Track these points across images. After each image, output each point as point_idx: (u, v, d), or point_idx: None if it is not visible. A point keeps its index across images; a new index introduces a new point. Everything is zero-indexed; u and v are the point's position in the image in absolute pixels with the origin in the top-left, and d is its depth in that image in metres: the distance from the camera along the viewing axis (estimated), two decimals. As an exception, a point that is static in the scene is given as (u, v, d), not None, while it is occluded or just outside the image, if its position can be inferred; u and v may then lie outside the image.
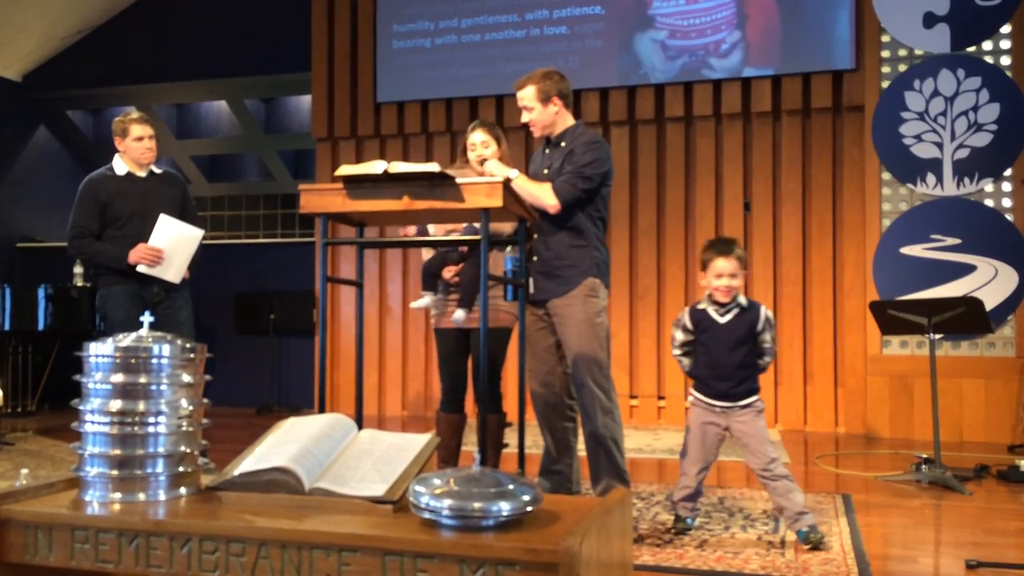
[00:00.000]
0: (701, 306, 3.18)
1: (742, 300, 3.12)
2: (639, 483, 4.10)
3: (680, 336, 3.22)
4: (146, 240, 4.08)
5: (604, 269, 3.42)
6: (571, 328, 3.32)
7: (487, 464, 3.38)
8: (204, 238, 4.24)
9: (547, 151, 3.50)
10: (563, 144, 3.43)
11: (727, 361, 3.10)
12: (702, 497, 3.30)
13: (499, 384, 3.68)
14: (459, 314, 3.49)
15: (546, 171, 3.41)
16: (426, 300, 3.69)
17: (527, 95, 3.46)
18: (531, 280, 3.47)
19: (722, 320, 3.11)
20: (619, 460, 3.35)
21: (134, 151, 4.17)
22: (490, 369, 3.55)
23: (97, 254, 4.14)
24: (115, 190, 4.17)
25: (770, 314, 3.15)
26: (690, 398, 3.27)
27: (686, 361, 3.25)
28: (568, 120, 3.49)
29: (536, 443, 4.02)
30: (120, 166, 4.22)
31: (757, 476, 3.16)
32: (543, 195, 3.29)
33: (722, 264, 3.06)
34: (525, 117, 3.49)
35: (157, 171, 4.28)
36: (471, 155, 3.61)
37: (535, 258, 3.46)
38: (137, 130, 4.15)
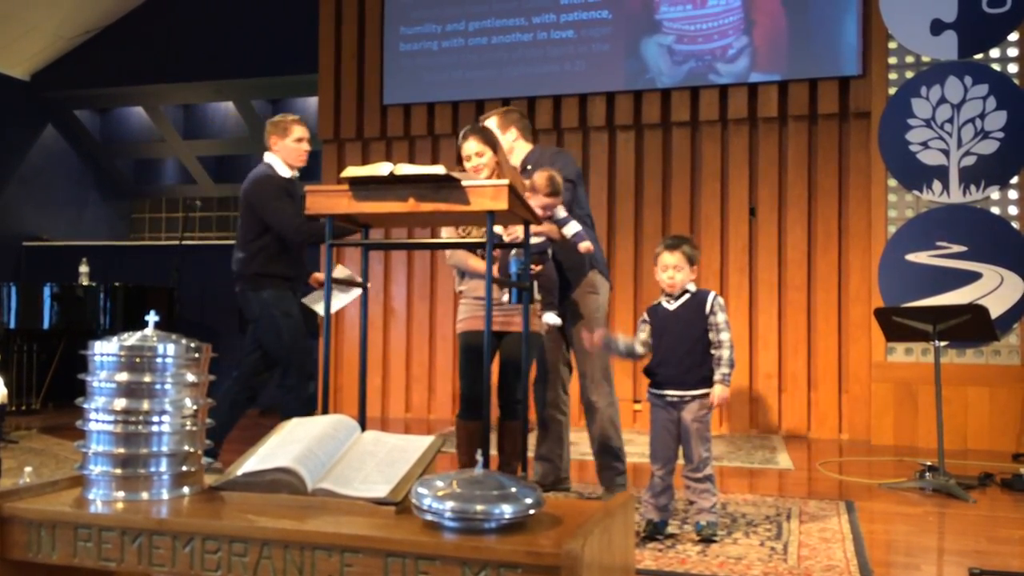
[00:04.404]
0: (656, 301, 3.33)
1: (691, 287, 3.24)
2: (642, 486, 4.09)
3: (641, 326, 3.31)
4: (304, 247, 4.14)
5: (600, 259, 3.75)
6: (574, 325, 3.66)
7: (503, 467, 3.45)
8: (209, 238, 4.25)
9: None
10: (529, 167, 3.68)
11: (679, 346, 3.18)
12: (674, 497, 3.29)
13: (527, 389, 3.64)
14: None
15: None
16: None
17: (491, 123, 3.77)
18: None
19: (672, 307, 3.23)
20: (617, 442, 3.69)
21: (292, 152, 4.09)
22: (520, 374, 3.54)
23: (318, 229, 3.95)
24: (293, 192, 4.13)
25: (720, 299, 3.21)
26: (648, 397, 3.34)
27: (643, 337, 3.27)
28: (526, 147, 3.81)
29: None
30: (282, 168, 4.13)
31: (683, 474, 3.22)
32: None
33: (667, 258, 3.22)
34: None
35: (297, 174, 4.26)
36: (467, 165, 3.48)
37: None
38: (299, 131, 4.08)
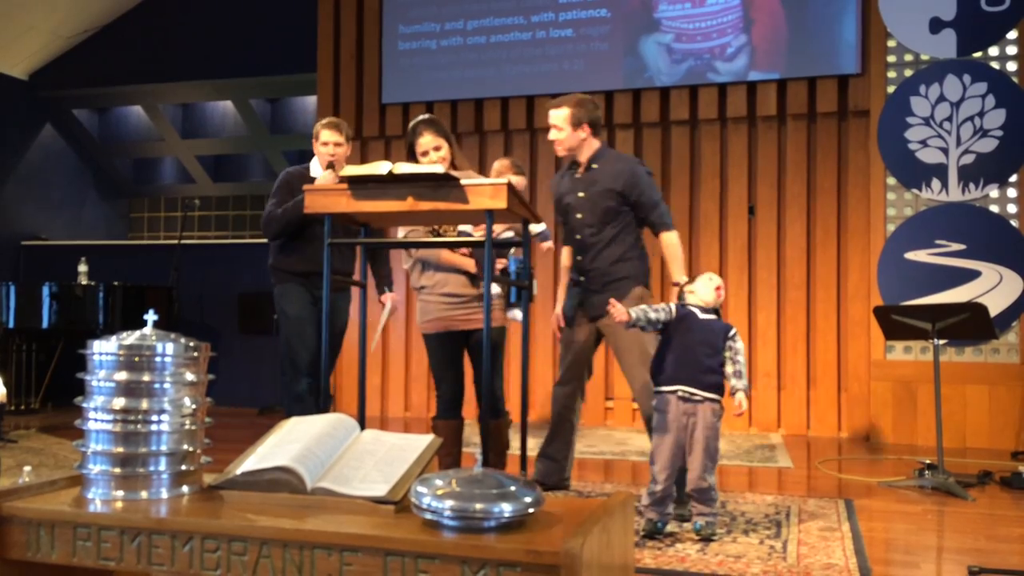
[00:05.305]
0: (683, 303, 3.35)
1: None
2: (619, 483, 4.09)
3: (663, 307, 3.26)
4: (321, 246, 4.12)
5: (648, 276, 3.71)
6: (622, 339, 3.55)
7: (492, 466, 3.43)
8: (208, 238, 4.25)
9: (577, 175, 3.67)
10: (595, 167, 3.63)
11: (701, 347, 3.20)
12: (673, 502, 3.28)
13: (502, 385, 3.68)
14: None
15: (582, 194, 3.62)
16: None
17: (560, 116, 3.60)
18: (581, 296, 3.68)
19: (702, 316, 3.27)
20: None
21: (320, 154, 4.14)
22: (493, 369, 3.55)
23: (285, 211, 4.02)
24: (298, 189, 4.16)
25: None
26: (654, 402, 3.29)
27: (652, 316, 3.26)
28: (595, 145, 3.66)
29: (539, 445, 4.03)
30: (315, 168, 4.20)
31: (688, 487, 3.20)
32: (677, 244, 3.67)
33: (718, 279, 3.36)
34: (553, 135, 3.63)
35: None
36: (424, 160, 3.43)
37: (582, 278, 3.67)
38: (324, 135, 4.12)
